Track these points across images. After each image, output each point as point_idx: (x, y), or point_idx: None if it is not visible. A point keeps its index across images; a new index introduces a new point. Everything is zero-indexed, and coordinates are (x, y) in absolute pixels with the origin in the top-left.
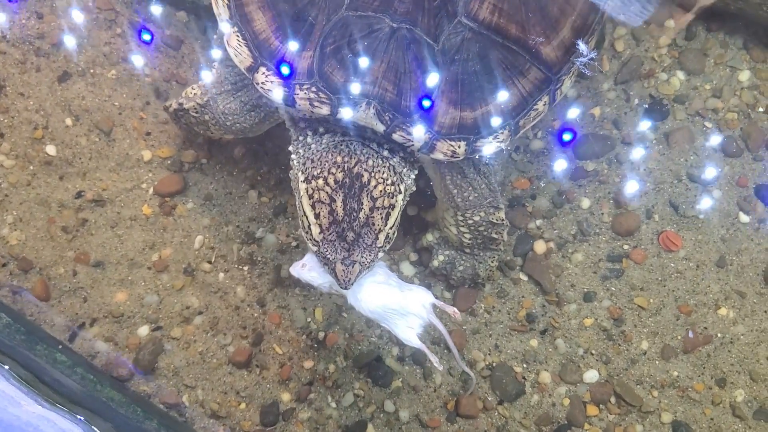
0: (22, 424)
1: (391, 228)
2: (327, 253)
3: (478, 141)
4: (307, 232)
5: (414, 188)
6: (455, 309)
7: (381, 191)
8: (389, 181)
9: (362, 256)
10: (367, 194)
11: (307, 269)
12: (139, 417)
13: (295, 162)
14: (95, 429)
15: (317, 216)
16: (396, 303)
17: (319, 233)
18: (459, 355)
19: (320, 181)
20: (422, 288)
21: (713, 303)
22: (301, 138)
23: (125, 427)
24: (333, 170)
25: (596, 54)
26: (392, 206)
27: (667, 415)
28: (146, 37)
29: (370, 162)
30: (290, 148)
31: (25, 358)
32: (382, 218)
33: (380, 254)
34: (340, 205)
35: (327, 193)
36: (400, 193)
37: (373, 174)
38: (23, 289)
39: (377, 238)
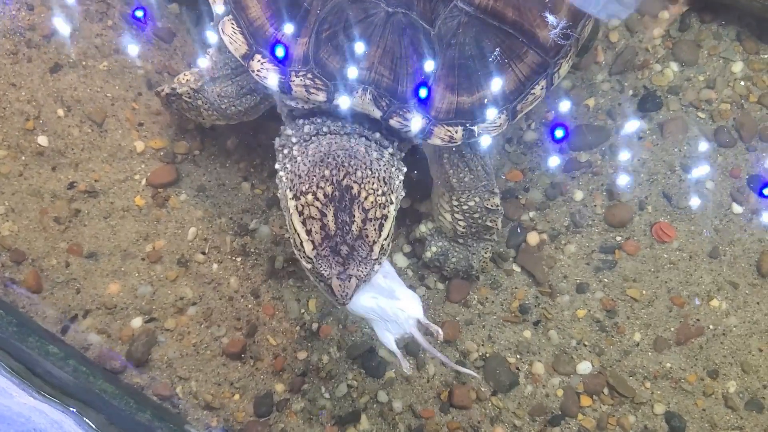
0: (14, 415)
1: (385, 239)
2: (322, 269)
3: (475, 126)
4: (299, 250)
5: (403, 193)
6: (439, 330)
7: (372, 202)
8: (380, 192)
9: (358, 270)
10: (359, 206)
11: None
12: (132, 409)
13: (283, 179)
14: (87, 420)
15: (309, 232)
16: (380, 308)
17: (312, 250)
18: (449, 361)
19: (309, 197)
20: (415, 299)
21: (706, 294)
22: (286, 151)
23: (118, 418)
24: (322, 184)
25: (591, 42)
26: (385, 217)
27: (659, 406)
28: (139, 13)
29: (359, 173)
30: (277, 166)
31: (17, 350)
32: (375, 229)
33: (376, 267)
34: (331, 219)
35: (317, 208)
36: (391, 203)
37: (363, 185)
38: (15, 281)
39: (372, 250)
